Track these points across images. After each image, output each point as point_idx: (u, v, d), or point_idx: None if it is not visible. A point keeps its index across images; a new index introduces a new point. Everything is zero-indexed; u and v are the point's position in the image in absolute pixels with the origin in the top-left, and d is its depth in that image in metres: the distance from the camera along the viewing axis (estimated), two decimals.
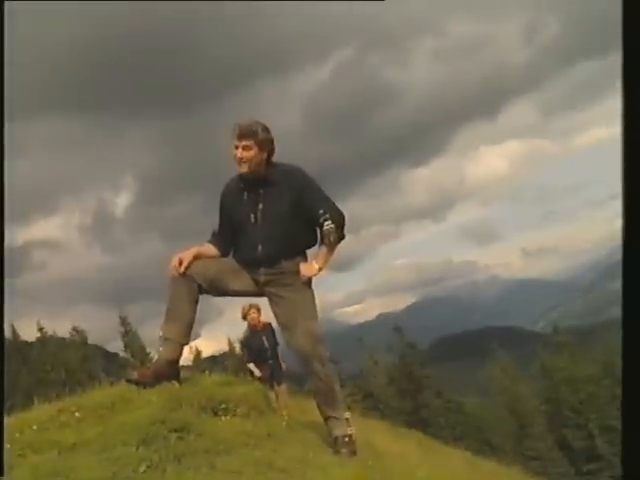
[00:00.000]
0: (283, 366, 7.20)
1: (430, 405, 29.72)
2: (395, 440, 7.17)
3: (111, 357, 32.42)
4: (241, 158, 3.06)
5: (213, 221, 3.39)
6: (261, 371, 6.89)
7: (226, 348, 31.29)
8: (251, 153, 3.06)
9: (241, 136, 3.05)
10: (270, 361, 7.01)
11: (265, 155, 3.11)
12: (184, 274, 3.13)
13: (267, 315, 6.88)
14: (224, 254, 3.34)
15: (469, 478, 6.29)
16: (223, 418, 2.96)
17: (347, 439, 3.19)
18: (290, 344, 3.23)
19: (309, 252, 3.26)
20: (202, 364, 25.15)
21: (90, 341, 29.19)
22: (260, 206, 3.15)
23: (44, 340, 27.86)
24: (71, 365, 25.80)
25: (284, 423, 3.28)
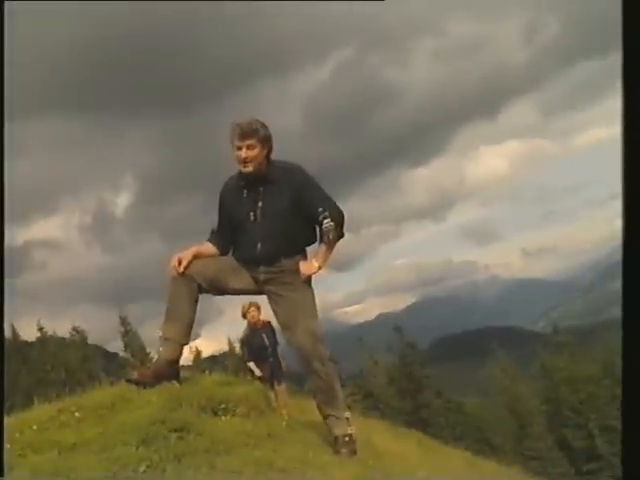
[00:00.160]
0: (283, 365, 7.19)
1: (430, 405, 29.72)
2: (395, 440, 7.16)
3: (111, 357, 32.44)
4: (246, 158, 3.04)
5: (213, 221, 3.38)
6: (261, 370, 6.88)
7: (226, 348, 31.34)
8: (255, 152, 3.05)
9: (244, 136, 3.03)
10: (270, 359, 7.00)
11: (266, 152, 3.11)
12: (184, 274, 3.13)
13: (267, 314, 6.88)
14: (223, 253, 3.34)
15: (469, 478, 6.29)
16: (223, 418, 2.95)
17: (347, 439, 3.19)
18: (290, 343, 3.23)
19: (308, 250, 3.25)
20: (202, 364, 25.17)
21: (90, 341, 29.24)
22: (259, 204, 3.14)
23: (44, 340, 27.87)
24: (71, 365, 25.82)
25: (284, 423, 3.28)
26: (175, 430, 2.54)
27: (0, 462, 1.90)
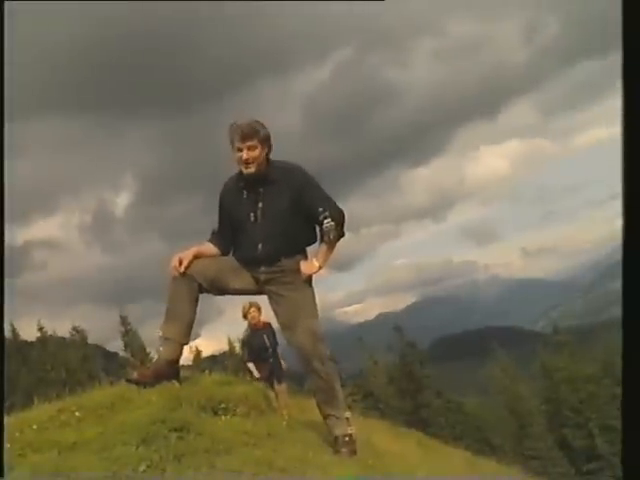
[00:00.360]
0: (283, 365, 7.19)
1: (430, 405, 29.72)
2: (395, 440, 7.17)
3: (111, 357, 32.42)
4: (247, 159, 3.04)
5: (213, 221, 3.39)
6: (261, 370, 6.89)
7: (226, 348, 31.32)
8: (256, 152, 3.05)
9: (245, 137, 3.02)
10: (270, 360, 7.01)
11: (266, 152, 3.11)
12: (184, 274, 3.13)
13: (267, 315, 6.89)
14: (224, 253, 3.34)
15: (469, 478, 6.29)
16: (223, 418, 2.95)
17: (347, 438, 3.19)
18: (291, 342, 3.23)
19: (309, 250, 3.26)
20: (202, 364, 25.16)
21: (90, 341, 29.23)
22: (260, 205, 3.14)
23: (44, 340, 27.86)
24: (71, 365, 25.81)
25: (284, 422, 3.28)
26: (175, 430, 2.54)
27: (0, 462, 1.90)
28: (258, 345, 6.99)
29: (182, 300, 3.16)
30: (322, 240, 3.13)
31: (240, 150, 3.04)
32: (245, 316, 7.02)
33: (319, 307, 3.26)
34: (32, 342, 28.43)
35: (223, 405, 3.06)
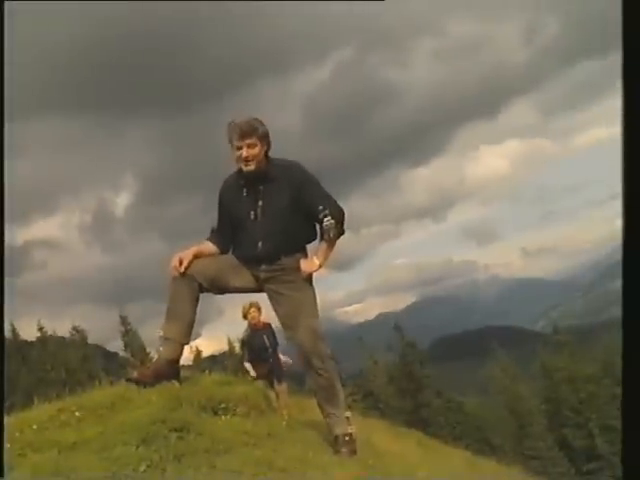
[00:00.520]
0: (288, 362, 7.18)
1: (430, 405, 29.71)
2: (395, 439, 7.17)
3: (111, 357, 32.41)
4: (247, 157, 3.04)
5: (213, 220, 3.39)
6: (261, 370, 6.88)
7: (226, 348, 31.32)
8: (256, 150, 3.05)
9: (244, 135, 3.02)
10: (270, 360, 7.00)
11: (265, 149, 3.11)
12: (184, 274, 3.13)
13: (268, 315, 6.89)
14: (224, 251, 3.34)
15: (469, 478, 6.29)
16: (223, 418, 2.96)
17: (347, 438, 3.19)
18: (291, 341, 3.24)
19: (309, 248, 3.26)
20: (202, 364, 25.17)
21: (90, 341, 29.24)
22: (260, 203, 3.14)
23: (44, 340, 27.87)
24: (71, 365, 25.81)
25: (284, 422, 3.28)
26: (175, 430, 2.54)
27: (0, 462, 1.90)
28: (258, 345, 6.98)
29: (182, 300, 3.16)
30: (322, 238, 3.14)
31: (239, 148, 3.04)
32: (245, 316, 7.02)
33: (319, 307, 3.26)
34: (32, 342, 28.44)
35: (223, 405, 3.07)
